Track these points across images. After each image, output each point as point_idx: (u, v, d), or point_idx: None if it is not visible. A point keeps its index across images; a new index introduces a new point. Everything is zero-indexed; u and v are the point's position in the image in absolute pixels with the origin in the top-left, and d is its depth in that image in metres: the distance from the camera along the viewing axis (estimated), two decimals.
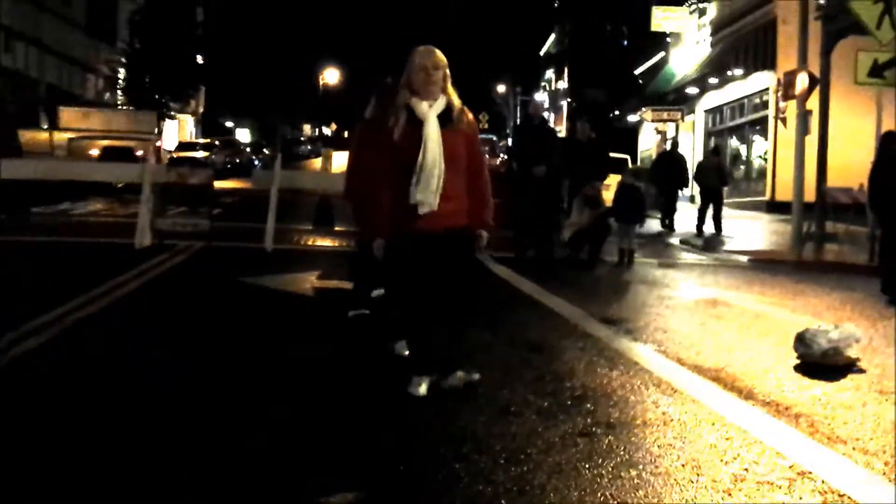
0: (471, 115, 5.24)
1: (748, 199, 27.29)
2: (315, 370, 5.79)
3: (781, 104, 23.46)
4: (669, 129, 36.38)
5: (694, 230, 18.85)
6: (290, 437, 4.37)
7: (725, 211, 20.18)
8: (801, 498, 3.76)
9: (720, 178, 19.87)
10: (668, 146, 23.81)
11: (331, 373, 5.73)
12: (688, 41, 35.82)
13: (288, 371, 5.74)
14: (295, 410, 4.84)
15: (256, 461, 3.97)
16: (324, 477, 3.82)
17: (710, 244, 16.70)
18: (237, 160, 40.33)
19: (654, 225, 19.47)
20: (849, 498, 3.78)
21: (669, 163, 19.86)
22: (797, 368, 6.23)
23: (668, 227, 19.40)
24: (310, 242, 14.27)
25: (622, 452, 4.26)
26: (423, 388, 5.09)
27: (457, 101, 5.13)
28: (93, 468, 3.85)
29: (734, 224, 21.03)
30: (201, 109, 52.42)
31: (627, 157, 26.47)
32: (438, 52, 5.13)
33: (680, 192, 20.09)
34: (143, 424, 4.46)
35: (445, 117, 5.07)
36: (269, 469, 3.87)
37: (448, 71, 5.13)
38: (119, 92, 38.17)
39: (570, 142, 15.43)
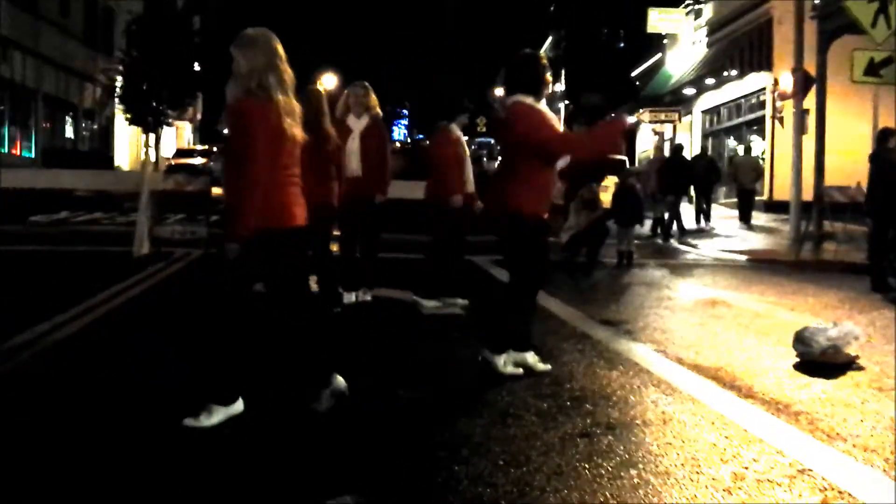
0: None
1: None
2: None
3: (778, 104, 23.52)
4: (667, 130, 36.42)
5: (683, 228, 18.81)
6: (291, 441, 4.37)
7: (724, 210, 20.32)
8: (801, 495, 3.76)
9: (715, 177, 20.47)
10: (668, 150, 23.73)
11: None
12: (684, 42, 35.84)
13: (283, 374, 5.73)
14: (293, 415, 4.83)
15: (258, 465, 3.97)
16: (324, 481, 3.82)
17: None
18: None
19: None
20: (849, 495, 3.78)
21: (675, 167, 19.63)
22: (796, 367, 6.23)
23: (668, 234, 18.76)
24: None
25: (622, 452, 4.26)
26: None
27: None
28: (93, 470, 3.85)
29: (733, 223, 21.06)
30: (199, 117, 52.37)
31: (625, 158, 26.48)
32: None
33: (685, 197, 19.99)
34: (144, 428, 4.46)
35: None
36: (270, 473, 3.87)
37: None
38: (117, 101, 38.14)
39: None
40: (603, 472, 3.98)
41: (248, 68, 4.57)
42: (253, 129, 4.45)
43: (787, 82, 18.58)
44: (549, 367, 5.87)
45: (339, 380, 4.86)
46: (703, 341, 7.17)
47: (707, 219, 20.54)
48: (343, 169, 7.83)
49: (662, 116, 34.14)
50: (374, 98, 8.23)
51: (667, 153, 21.80)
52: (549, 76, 5.88)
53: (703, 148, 22.66)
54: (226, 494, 3.70)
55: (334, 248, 8.29)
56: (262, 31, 4.77)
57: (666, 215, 18.40)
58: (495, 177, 6.06)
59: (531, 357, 5.85)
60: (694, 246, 16.58)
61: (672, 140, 30.06)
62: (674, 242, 17.58)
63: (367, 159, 8.13)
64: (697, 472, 4.00)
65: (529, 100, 5.74)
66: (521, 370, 5.73)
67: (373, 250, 8.59)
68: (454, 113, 8.88)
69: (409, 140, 73.85)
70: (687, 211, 20.04)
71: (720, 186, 23.54)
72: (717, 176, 22.11)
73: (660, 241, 17.81)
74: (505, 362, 5.71)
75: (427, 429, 4.60)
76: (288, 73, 4.67)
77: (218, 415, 4.55)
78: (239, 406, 4.65)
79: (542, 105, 5.82)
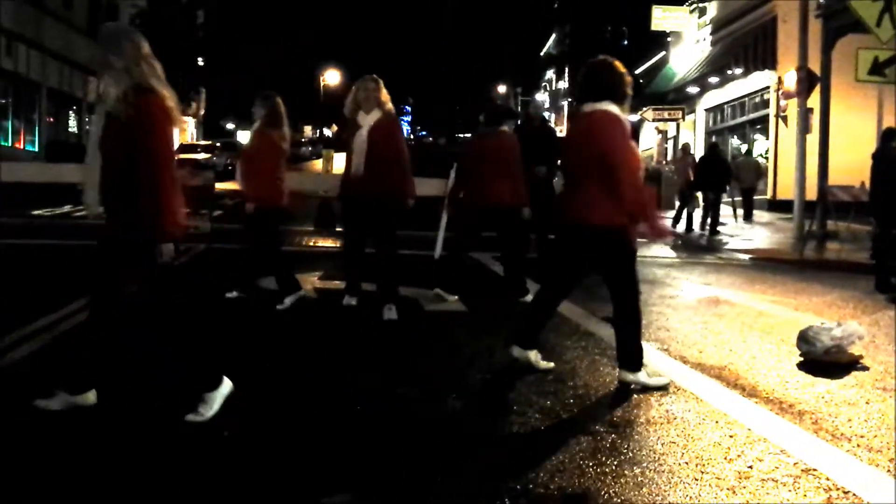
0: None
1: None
2: (315, 371, 5.78)
3: (782, 103, 23.49)
4: (670, 128, 36.39)
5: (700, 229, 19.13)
6: (290, 438, 4.36)
7: (726, 209, 20.44)
8: (805, 495, 3.76)
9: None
10: (705, 149, 24.10)
11: (330, 372, 5.72)
12: (688, 40, 35.80)
13: (288, 372, 5.73)
14: (293, 412, 4.83)
15: (257, 463, 3.96)
16: (324, 477, 3.81)
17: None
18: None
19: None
20: (853, 495, 3.77)
21: (713, 164, 19.82)
22: (800, 366, 6.22)
23: (713, 231, 19.05)
24: (311, 244, 14.27)
25: (625, 450, 4.25)
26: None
27: None
28: (89, 469, 3.85)
29: (736, 222, 21.04)
30: (202, 112, 52.45)
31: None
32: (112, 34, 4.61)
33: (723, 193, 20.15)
34: (142, 425, 4.46)
35: None
36: (269, 471, 3.87)
37: None
38: None
39: None
40: (606, 469, 3.97)
41: (130, 63, 4.46)
42: (163, 126, 4.39)
43: (791, 81, 18.57)
44: (552, 364, 5.86)
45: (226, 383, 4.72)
46: (707, 340, 7.16)
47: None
48: (353, 167, 7.59)
49: (666, 115, 34.11)
50: (385, 93, 7.63)
51: (675, 150, 22.01)
52: (629, 85, 5.61)
53: (716, 145, 22.63)
54: (223, 493, 3.69)
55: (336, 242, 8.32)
56: (124, 24, 4.71)
57: (697, 212, 18.78)
58: (572, 188, 5.63)
59: (534, 355, 5.84)
60: (726, 242, 16.82)
61: (675, 138, 30.00)
62: (709, 237, 18.12)
63: (377, 157, 7.50)
64: (701, 471, 3.99)
65: (615, 108, 5.46)
66: (666, 378, 5.60)
67: (390, 253, 7.74)
68: (505, 117, 8.94)
69: (412, 137, 73.84)
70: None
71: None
72: (730, 175, 22.12)
73: (699, 232, 18.44)
74: (649, 374, 5.53)
75: (428, 426, 4.59)
76: (160, 66, 4.62)
77: (214, 402, 4.54)
78: (227, 385, 4.64)
79: (625, 115, 5.54)
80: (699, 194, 19.36)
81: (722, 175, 19.56)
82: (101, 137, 4.46)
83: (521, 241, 8.96)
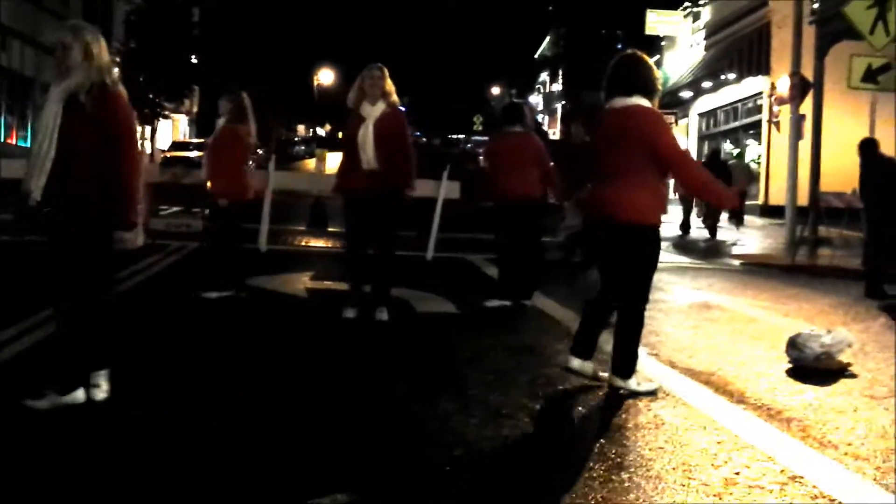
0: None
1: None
2: (305, 372, 5.78)
3: (775, 108, 23.56)
4: None
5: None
6: (280, 439, 4.36)
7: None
8: (792, 502, 3.77)
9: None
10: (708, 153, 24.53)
11: (320, 374, 5.72)
12: (682, 45, 35.89)
13: (279, 373, 5.73)
14: (284, 412, 4.83)
15: (245, 463, 3.96)
16: (313, 478, 3.81)
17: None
18: None
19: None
20: (840, 503, 3.78)
21: (715, 169, 20.40)
22: (789, 373, 6.24)
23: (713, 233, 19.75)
24: (303, 243, 14.26)
25: (613, 455, 4.26)
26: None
27: None
28: (74, 469, 3.84)
29: (727, 228, 21.08)
30: (195, 109, 52.31)
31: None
32: (72, 31, 4.73)
33: None
34: (133, 423, 4.46)
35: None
36: (257, 471, 3.87)
37: None
38: None
39: (565, 145, 15.46)
40: (595, 474, 3.98)
41: (100, 59, 4.64)
42: (132, 122, 4.73)
43: (784, 86, 18.63)
44: (656, 385, 5.59)
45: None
46: (697, 345, 7.18)
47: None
48: (359, 161, 7.30)
49: None
50: (390, 83, 7.37)
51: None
52: (659, 80, 5.61)
53: (718, 151, 22.86)
54: (214, 492, 3.69)
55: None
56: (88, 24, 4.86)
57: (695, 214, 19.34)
58: (603, 184, 5.51)
59: (591, 366, 5.68)
60: (734, 244, 17.28)
61: (717, 147, 30.19)
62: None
63: (383, 150, 7.25)
64: (689, 477, 4.00)
65: (647, 102, 5.43)
66: (655, 384, 5.57)
67: (390, 252, 7.58)
68: (523, 117, 8.99)
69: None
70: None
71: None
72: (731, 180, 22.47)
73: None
74: (638, 382, 5.49)
75: (419, 428, 4.60)
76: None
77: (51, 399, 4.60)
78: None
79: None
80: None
81: (724, 180, 19.81)
82: (62, 127, 4.54)
83: (536, 243, 8.89)
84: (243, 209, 8.57)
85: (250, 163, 8.90)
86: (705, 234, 19.61)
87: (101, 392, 4.72)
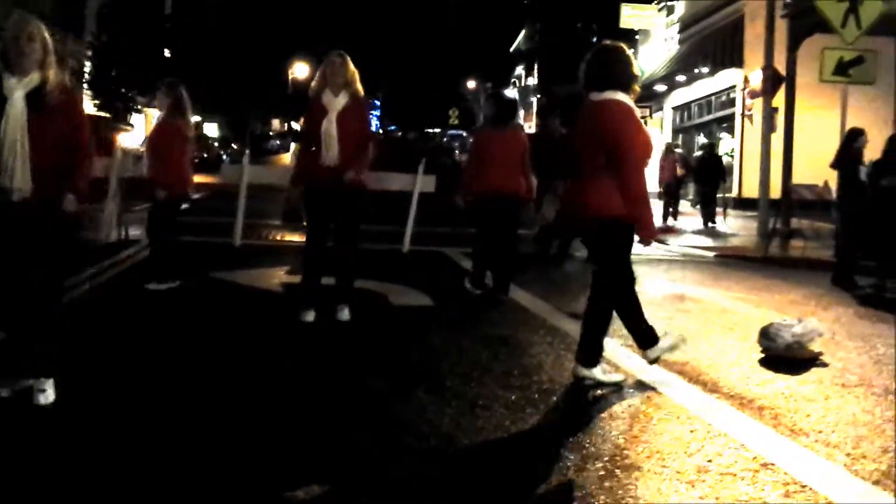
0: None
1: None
2: (282, 366, 5.78)
3: (748, 101, 23.72)
4: None
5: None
6: (256, 432, 4.36)
7: (687, 206, 21.10)
8: (763, 489, 3.82)
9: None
10: (699, 149, 25.16)
11: (297, 368, 5.72)
12: (656, 38, 36.06)
13: (256, 367, 5.73)
14: (260, 406, 4.83)
15: (221, 457, 3.96)
16: (288, 470, 3.82)
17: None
18: (205, 155, 40.14)
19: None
20: (811, 489, 3.84)
21: (712, 163, 21.17)
22: (761, 362, 6.31)
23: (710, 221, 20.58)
24: (278, 238, 14.22)
25: (588, 445, 4.29)
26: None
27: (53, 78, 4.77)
28: (59, 465, 3.83)
29: (700, 220, 21.23)
30: None
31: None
32: (33, 23, 4.83)
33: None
34: (107, 422, 4.44)
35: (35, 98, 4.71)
36: (233, 464, 3.87)
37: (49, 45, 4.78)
38: (85, 85, 37.82)
39: (541, 138, 15.48)
40: (569, 464, 4.01)
41: (57, 53, 4.81)
42: (84, 115, 5.00)
43: (757, 80, 18.77)
44: (621, 377, 5.61)
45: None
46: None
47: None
48: (319, 155, 6.98)
49: None
50: (353, 70, 7.04)
51: (665, 149, 23.05)
52: (638, 70, 5.55)
53: (710, 145, 23.13)
54: (190, 488, 3.69)
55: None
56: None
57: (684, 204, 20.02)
58: (579, 178, 5.48)
59: (599, 371, 5.56)
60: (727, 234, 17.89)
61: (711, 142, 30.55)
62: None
63: (345, 146, 6.95)
64: (662, 465, 4.04)
65: (623, 97, 5.39)
66: (620, 376, 5.58)
67: (352, 247, 7.28)
68: (514, 115, 9.10)
69: (381, 131, 73.72)
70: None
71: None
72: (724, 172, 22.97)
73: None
74: (603, 370, 5.50)
75: (395, 418, 4.61)
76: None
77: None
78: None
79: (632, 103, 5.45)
80: (692, 187, 20.97)
81: (716, 172, 21.01)
82: (31, 121, 4.62)
83: (515, 238, 8.90)
84: (182, 202, 8.82)
85: (192, 156, 8.99)
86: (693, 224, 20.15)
87: (47, 397, 4.65)
